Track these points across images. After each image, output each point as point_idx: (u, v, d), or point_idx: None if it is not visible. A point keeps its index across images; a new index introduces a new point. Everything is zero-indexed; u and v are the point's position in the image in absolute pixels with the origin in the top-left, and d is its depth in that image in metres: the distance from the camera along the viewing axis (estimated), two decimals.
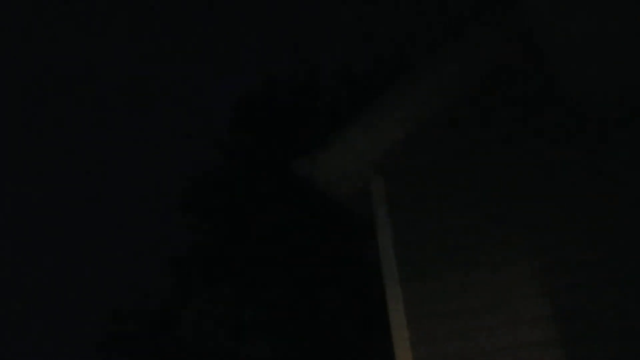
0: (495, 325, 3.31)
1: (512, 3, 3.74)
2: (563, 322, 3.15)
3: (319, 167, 4.08)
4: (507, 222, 3.52)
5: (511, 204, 3.55)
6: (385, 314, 3.77)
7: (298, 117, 10.56)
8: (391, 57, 10.79)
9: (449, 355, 3.36)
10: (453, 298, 3.49)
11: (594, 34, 3.05)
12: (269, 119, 10.71)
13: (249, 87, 11.30)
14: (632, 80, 3.36)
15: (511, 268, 3.40)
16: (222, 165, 11.02)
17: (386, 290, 3.72)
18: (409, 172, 3.99)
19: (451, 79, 3.97)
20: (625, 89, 3.40)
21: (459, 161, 3.83)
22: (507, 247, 3.46)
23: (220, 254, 10.45)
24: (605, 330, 3.04)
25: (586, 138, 3.47)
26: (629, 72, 3.32)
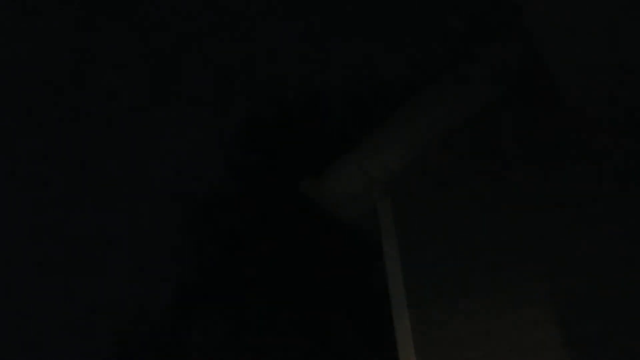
0: (504, 352, 3.25)
1: (514, 27, 3.77)
2: (566, 326, 3.08)
3: (328, 188, 4.06)
4: (517, 244, 3.47)
5: (521, 225, 3.50)
6: (392, 339, 3.70)
7: (306, 138, 10.59)
8: (398, 81, 10.84)
9: None
10: (461, 324, 3.43)
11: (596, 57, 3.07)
12: (277, 140, 10.73)
13: (257, 107, 11.35)
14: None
15: (521, 292, 3.34)
16: (227, 185, 11.02)
17: (393, 315, 3.66)
18: (417, 194, 3.97)
19: (457, 102, 3.98)
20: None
21: (467, 184, 3.81)
22: (517, 271, 3.40)
23: (225, 276, 10.41)
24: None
25: (592, 156, 3.44)
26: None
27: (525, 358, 3.17)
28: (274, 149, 10.67)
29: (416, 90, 4.12)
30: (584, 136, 3.52)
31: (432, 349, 3.45)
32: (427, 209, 3.88)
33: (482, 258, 3.54)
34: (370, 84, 11.32)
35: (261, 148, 10.84)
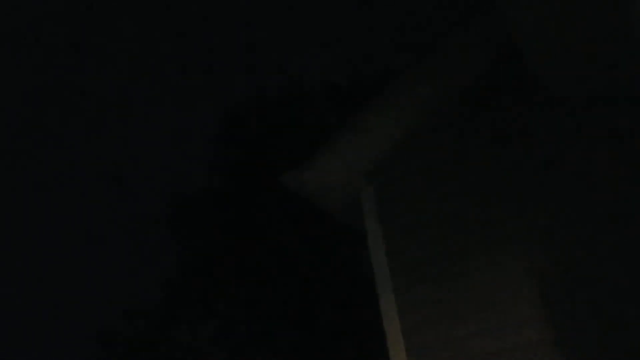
0: (488, 330, 3.30)
1: (492, 10, 3.77)
2: (555, 323, 3.14)
3: (309, 179, 4.07)
4: (499, 226, 3.52)
5: (503, 207, 3.55)
6: (380, 323, 3.75)
7: (286, 130, 10.57)
8: (377, 68, 10.84)
9: None
10: (447, 305, 3.48)
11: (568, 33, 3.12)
12: (256, 133, 10.70)
13: (236, 101, 11.29)
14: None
15: (504, 272, 3.39)
16: (211, 181, 10.98)
17: (380, 299, 3.71)
18: (399, 180, 3.99)
19: (436, 87, 3.98)
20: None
21: (449, 167, 3.83)
22: (500, 252, 3.45)
23: (211, 271, 10.38)
24: (596, 329, 3.03)
25: (574, 133, 3.49)
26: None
27: (510, 337, 3.23)
28: (255, 143, 10.64)
29: (394, 78, 4.10)
30: (558, 116, 3.57)
31: (419, 329, 3.51)
32: (410, 196, 3.90)
33: (465, 239, 3.59)
34: (349, 72, 11.33)
35: (242, 142, 10.81)
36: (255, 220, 10.00)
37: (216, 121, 11.19)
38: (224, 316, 10.35)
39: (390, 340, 3.55)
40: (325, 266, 9.64)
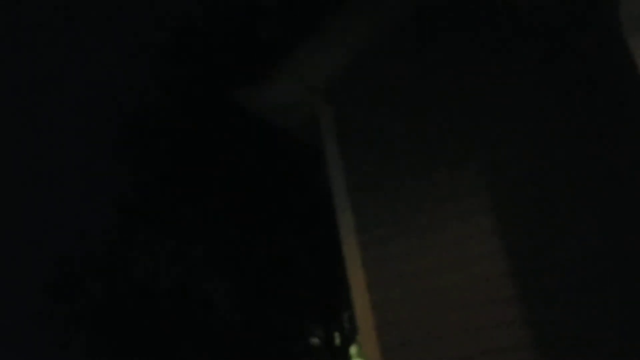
0: (445, 243, 3.40)
1: None
2: (509, 256, 3.25)
3: (265, 96, 3.97)
4: (458, 140, 3.55)
5: (462, 128, 3.56)
6: (338, 241, 3.81)
7: (240, 46, 10.21)
8: None
9: (401, 273, 3.45)
10: (403, 221, 3.55)
11: None
12: (209, 48, 10.30)
13: (185, 15, 10.75)
14: None
15: (459, 186, 3.46)
16: (160, 99, 10.61)
17: (338, 217, 3.75)
18: (357, 99, 3.94)
19: (393, 4, 3.88)
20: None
21: (407, 85, 3.80)
22: (455, 165, 3.50)
23: (166, 191, 10.27)
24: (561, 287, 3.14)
25: (533, 52, 3.48)
26: None
27: (466, 268, 3.32)
28: (205, 57, 10.26)
29: None
30: (524, 36, 3.54)
31: (376, 244, 3.59)
32: (368, 114, 3.87)
33: (422, 158, 3.61)
34: None
35: (192, 57, 10.40)
36: (209, 138, 9.82)
37: (165, 36, 10.67)
38: (180, 236, 10.36)
39: (348, 254, 3.62)
40: (283, 184, 9.66)
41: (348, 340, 9.87)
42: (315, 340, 10.09)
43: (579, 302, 2.98)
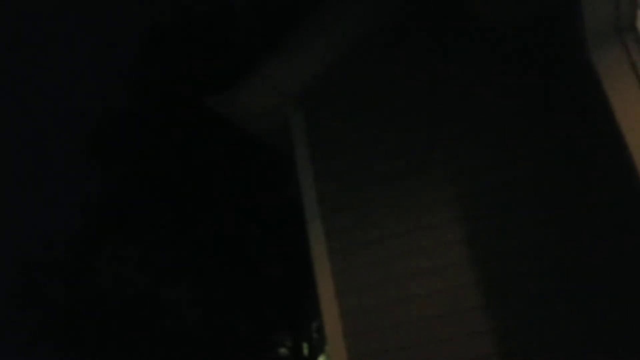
0: (414, 251, 3.40)
1: None
2: (473, 242, 3.26)
3: (237, 102, 3.94)
4: (424, 152, 3.56)
5: (429, 132, 3.58)
6: (307, 250, 3.78)
7: (212, 50, 10.13)
8: None
9: (370, 282, 3.43)
10: (372, 229, 3.54)
11: None
12: (180, 52, 10.20)
13: (158, 18, 10.64)
14: None
15: (429, 197, 3.46)
16: (130, 104, 10.46)
17: (307, 224, 3.72)
18: (328, 105, 3.94)
19: (366, 9, 3.90)
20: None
21: (377, 92, 3.81)
22: (424, 174, 3.51)
23: (134, 196, 10.10)
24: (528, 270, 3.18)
25: (502, 63, 3.52)
26: None
27: (430, 257, 3.34)
28: (177, 62, 10.16)
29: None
30: (481, 43, 3.58)
31: (344, 254, 3.56)
32: (339, 120, 3.87)
33: (394, 164, 3.62)
34: None
35: (164, 61, 10.29)
36: (180, 143, 9.71)
37: (138, 39, 10.54)
38: (148, 242, 10.20)
39: (317, 263, 3.59)
40: (254, 190, 9.59)
41: (316, 350, 9.83)
42: (283, 351, 10.01)
43: (549, 311, 2.99)
